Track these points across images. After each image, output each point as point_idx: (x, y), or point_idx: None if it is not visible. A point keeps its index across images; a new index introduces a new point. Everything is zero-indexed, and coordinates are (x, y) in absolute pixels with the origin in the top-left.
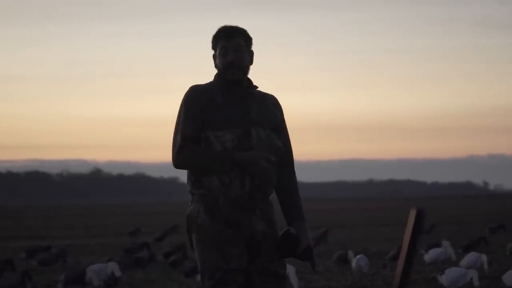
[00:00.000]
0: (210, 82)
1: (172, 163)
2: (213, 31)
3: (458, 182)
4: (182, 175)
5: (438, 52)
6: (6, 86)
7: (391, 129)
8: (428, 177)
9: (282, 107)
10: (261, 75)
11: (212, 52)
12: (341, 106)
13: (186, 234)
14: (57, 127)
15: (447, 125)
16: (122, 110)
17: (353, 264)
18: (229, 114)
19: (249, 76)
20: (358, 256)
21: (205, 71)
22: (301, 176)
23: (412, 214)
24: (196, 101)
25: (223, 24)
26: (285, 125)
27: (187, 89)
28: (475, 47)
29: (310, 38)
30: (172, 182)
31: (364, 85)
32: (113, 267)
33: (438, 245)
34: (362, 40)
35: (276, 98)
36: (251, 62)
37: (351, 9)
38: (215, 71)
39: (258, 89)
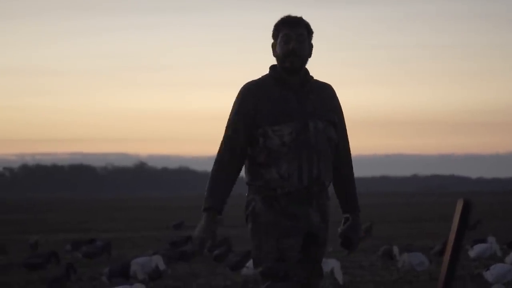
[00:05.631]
0: (265, 76)
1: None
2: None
3: (503, 177)
4: None
5: (482, 47)
6: (51, 79)
7: (436, 124)
8: (472, 173)
9: None
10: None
11: (272, 41)
12: (386, 101)
13: (230, 228)
14: (100, 121)
15: (492, 120)
16: (164, 103)
17: (404, 260)
18: (285, 108)
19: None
20: (410, 253)
21: (249, 64)
22: None
23: (459, 206)
24: (249, 99)
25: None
26: (342, 115)
27: (231, 82)
28: None
29: (352, 33)
30: None
31: (409, 80)
32: (157, 260)
33: (483, 240)
34: (407, 35)
35: (332, 88)
36: (310, 55)
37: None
38: (265, 63)
39: (315, 78)
